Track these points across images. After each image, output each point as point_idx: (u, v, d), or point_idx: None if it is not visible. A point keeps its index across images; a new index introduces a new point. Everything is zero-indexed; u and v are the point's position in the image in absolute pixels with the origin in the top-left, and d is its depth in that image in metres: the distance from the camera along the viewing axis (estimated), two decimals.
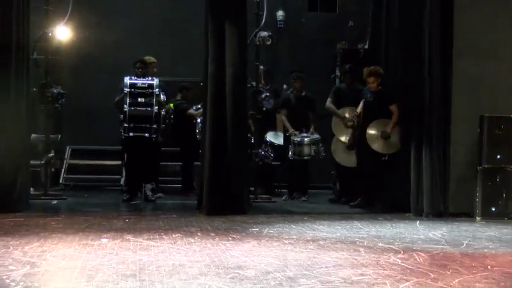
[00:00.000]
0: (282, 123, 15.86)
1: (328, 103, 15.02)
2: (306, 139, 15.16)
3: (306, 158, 15.17)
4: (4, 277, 7.26)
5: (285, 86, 16.47)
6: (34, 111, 14.70)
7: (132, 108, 13.93)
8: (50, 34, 15.17)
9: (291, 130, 15.34)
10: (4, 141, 12.61)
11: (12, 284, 7.00)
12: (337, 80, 16.19)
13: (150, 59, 14.73)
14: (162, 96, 14.44)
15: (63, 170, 16.64)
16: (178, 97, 15.97)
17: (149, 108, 13.99)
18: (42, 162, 14.87)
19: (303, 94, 15.70)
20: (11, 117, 12.63)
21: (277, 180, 16.00)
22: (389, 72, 13.74)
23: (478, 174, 12.47)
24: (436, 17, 12.76)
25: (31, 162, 14.10)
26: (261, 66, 15.57)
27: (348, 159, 14.59)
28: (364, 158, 13.75)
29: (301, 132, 15.23)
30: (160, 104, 14.28)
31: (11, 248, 8.88)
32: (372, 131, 13.91)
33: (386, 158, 13.36)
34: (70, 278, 7.41)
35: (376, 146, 13.69)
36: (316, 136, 15.23)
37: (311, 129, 15.39)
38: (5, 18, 12.52)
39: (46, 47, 15.19)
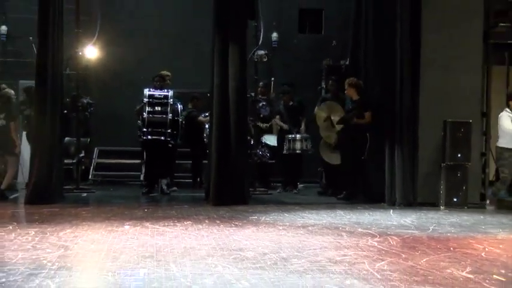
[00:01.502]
0: (276, 127, 15.89)
1: (316, 110, 15.03)
2: (298, 135, 15.23)
3: (298, 151, 15.22)
4: (42, 258, 7.24)
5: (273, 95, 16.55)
6: (67, 118, 14.69)
7: (150, 115, 13.99)
8: (80, 53, 15.25)
9: (285, 126, 15.47)
10: (42, 144, 12.59)
11: (49, 264, 6.96)
12: (323, 91, 16.19)
13: (165, 73, 14.71)
14: (179, 106, 14.51)
15: (91, 167, 16.67)
16: (190, 106, 16.01)
17: (164, 116, 14.05)
18: (74, 161, 14.97)
19: (291, 104, 15.70)
20: (48, 123, 12.60)
21: (272, 176, 15.95)
22: (367, 84, 13.67)
23: (441, 170, 12.45)
24: (405, 38, 12.75)
25: (65, 161, 14.13)
26: (261, 82, 15.75)
27: (333, 158, 14.57)
28: (347, 157, 13.70)
29: (292, 133, 15.23)
30: (176, 112, 14.30)
31: (48, 233, 8.86)
32: (323, 113, 14.40)
33: (364, 157, 13.29)
34: (98, 259, 7.38)
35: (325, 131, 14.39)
36: (305, 134, 15.24)
37: (301, 128, 15.44)
38: (42, 40, 12.50)
39: (77, 64, 15.29)
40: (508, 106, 12.64)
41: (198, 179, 15.80)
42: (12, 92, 14.42)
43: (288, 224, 10.24)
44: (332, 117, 14.38)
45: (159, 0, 17.97)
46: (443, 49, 12.72)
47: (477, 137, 12.90)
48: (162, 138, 14.12)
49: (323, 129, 14.78)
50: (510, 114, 12.53)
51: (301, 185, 15.93)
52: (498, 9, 13.88)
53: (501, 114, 12.69)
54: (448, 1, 12.85)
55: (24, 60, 16.40)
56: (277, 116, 15.77)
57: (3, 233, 8.82)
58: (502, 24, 13.95)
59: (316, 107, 15.13)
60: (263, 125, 15.69)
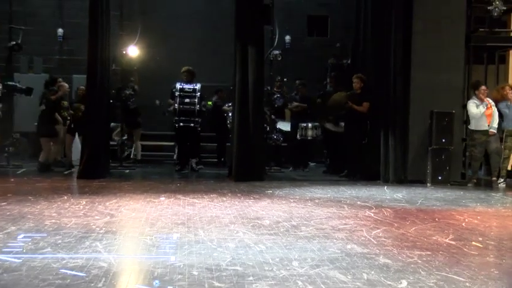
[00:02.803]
0: (290, 114, 15.87)
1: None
2: (309, 124, 15.12)
3: (309, 138, 15.14)
4: (91, 224, 7.30)
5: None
6: (113, 106, 14.77)
7: (181, 106, 14.04)
8: (124, 52, 15.26)
9: (304, 104, 15.48)
10: (92, 128, 12.64)
11: (97, 229, 7.01)
12: (328, 85, 16.14)
13: (193, 69, 14.69)
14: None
15: (133, 148, 16.69)
16: (215, 97, 16.05)
17: (193, 106, 14.07)
18: (119, 142, 14.95)
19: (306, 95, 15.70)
20: (97, 111, 12.65)
21: (285, 157, 15.93)
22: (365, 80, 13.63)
23: (428, 153, 12.39)
24: (398, 41, 12.69)
25: (111, 142, 14.18)
26: (278, 77, 15.81)
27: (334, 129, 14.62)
28: (349, 141, 13.64)
29: (305, 122, 15.19)
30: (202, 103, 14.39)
31: (96, 203, 8.92)
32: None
33: (365, 141, 13.25)
34: (138, 225, 7.42)
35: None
36: (316, 123, 15.18)
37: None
38: (92, 41, 12.52)
39: (121, 61, 15.29)
40: (474, 95, 12.58)
41: (222, 159, 15.79)
42: (67, 85, 14.66)
43: (298, 197, 10.24)
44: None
45: (188, 9, 17.97)
46: (430, 50, 12.63)
47: (459, 125, 12.86)
48: (192, 125, 14.15)
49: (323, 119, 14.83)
50: (475, 101, 12.45)
51: (312, 164, 15.96)
52: (478, 16, 13.79)
53: (468, 102, 12.63)
54: (435, 10, 12.73)
55: (77, 58, 16.45)
56: (294, 103, 15.70)
57: (59, 203, 8.89)
58: (481, 29, 13.92)
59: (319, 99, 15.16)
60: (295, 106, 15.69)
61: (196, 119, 14.17)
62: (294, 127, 15.46)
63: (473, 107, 12.39)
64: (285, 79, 16.36)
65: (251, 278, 5.08)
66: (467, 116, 12.84)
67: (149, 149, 16.94)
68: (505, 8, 13.32)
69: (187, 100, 14.08)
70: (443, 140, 12.36)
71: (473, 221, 8.26)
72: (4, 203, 8.68)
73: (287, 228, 7.31)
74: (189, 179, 13.18)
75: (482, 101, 12.38)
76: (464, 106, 12.89)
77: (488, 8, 13.21)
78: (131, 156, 15.87)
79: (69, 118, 14.24)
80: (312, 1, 18.64)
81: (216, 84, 16.19)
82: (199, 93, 14.16)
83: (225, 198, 9.79)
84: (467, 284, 5.07)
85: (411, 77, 12.66)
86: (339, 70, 15.84)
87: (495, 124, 12.45)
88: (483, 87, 12.51)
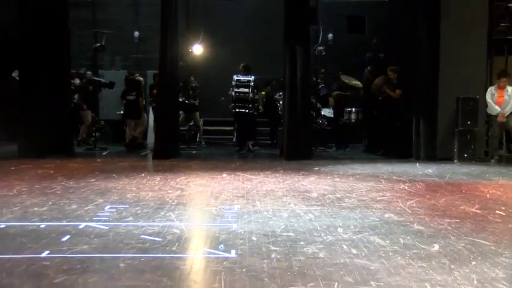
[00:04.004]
0: (334, 102, 15.74)
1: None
2: (353, 109, 14.88)
3: (353, 121, 14.96)
4: (165, 197, 7.38)
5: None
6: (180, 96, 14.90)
7: (237, 94, 14.07)
8: (190, 50, 15.36)
9: (346, 93, 15.31)
10: (164, 115, 12.72)
11: (170, 201, 7.08)
12: (365, 76, 15.93)
13: (248, 64, 14.66)
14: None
15: (199, 133, 16.80)
16: (268, 88, 16.01)
17: (247, 94, 14.09)
18: (186, 128, 15.08)
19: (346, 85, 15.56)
20: (168, 100, 12.75)
21: (329, 138, 15.80)
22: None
23: (455, 133, 12.14)
24: (428, 36, 12.41)
25: (180, 128, 14.28)
26: (322, 70, 15.84)
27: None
28: (384, 124, 13.48)
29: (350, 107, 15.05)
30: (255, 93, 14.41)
31: (169, 179, 9.01)
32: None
33: (399, 124, 13.07)
34: (204, 198, 7.48)
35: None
36: (359, 108, 14.93)
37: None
38: (163, 41, 12.56)
39: (187, 58, 15.38)
40: (497, 83, 12.32)
41: (274, 141, 15.75)
42: (141, 78, 14.91)
43: (341, 173, 10.16)
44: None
45: (244, 14, 17.92)
46: (456, 44, 12.31)
47: (482, 109, 12.48)
48: (246, 111, 14.16)
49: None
50: (492, 90, 12.27)
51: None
52: (499, 12, 13.41)
53: (489, 88, 12.42)
54: (460, 9, 12.33)
55: (151, 56, 16.55)
56: (336, 92, 15.53)
57: (138, 179, 9.01)
58: (502, 24, 13.57)
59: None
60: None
61: (250, 105, 14.18)
62: (337, 113, 15.28)
63: (488, 94, 12.31)
64: (323, 70, 16.23)
65: (302, 242, 5.07)
66: None
67: (212, 133, 17.03)
68: None
69: (242, 89, 14.10)
70: (469, 122, 12.11)
71: (497, 192, 8.08)
72: (93, 180, 8.85)
73: (332, 200, 7.27)
74: (247, 158, 13.21)
75: (502, 89, 12.12)
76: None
77: (509, 5, 12.95)
78: (197, 140, 15.97)
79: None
80: (351, 3, 18.51)
81: (268, 77, 16.14)
82: (252, 84, 14.17)
83: (277, 175, 9.78)
84: (492, 247, 4.97)
85: (440, 68, 12.38)
86: (375, 63, 15.65)
87: (507, 109, 12.17)
88: (503, 79, 12.19)
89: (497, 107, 12.23)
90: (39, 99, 12.18)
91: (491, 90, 12.29)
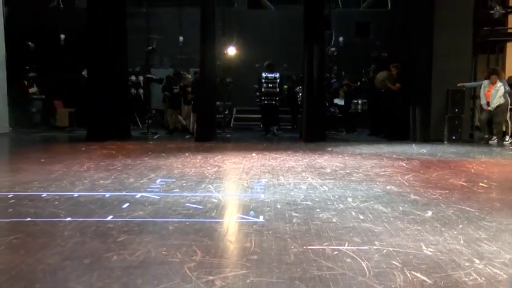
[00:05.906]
0: (343, 92, 15.57)
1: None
2: (359, 101, 14.77)
3: (359, 111, 14.83)
4: (205, 172, 7.40)
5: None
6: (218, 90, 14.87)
7: (266, 89, 13.96)
8: (225, 51, 15.32)
9: (354, 84, 15.16)
10: (204, 105, 12.73)
11: (209, 175, 7.10)
12: (370, 73, 15.75)
13: (273, 62, 14.55)
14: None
15: (232, 120, 16.80)
16: (289, 82, 15.91)
17: (274, 89, 13.99)
18: (222, 116, 15.06)
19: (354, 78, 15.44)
20: (207, 93, 12.73)
21: (340, 124, 15.69)
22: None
23: (445, 119, 11.99)
24: (423, 37, 12.24)
25: (217, 116, 14.27)
26: (335, 67, 15.90)
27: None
28: (386, 112, 13.34)
29: (357, 99, 14.89)
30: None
31: (208, 158, 9.03)
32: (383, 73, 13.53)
33: (398, 112, 12.89)
34: (237, 173, 7.47)
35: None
36: (365, 100, 14.78)
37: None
38: (203, 44, 12.49)
39: (224, 57, 15.33)
40: (489, 79, 12.03)
41: (295, 126, 15.68)
42: (190, 76, 14.92)
43: (350, 152, 10.09)
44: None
45: (270, 20, 17.88)
46: (447, 44, 12.12)
47: (468, 98, 12.40)
48: (273, 102, 14.07)
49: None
50: (485, 83, 11.95)
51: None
52: (482, 18, 13.12)
53: (483, 81, 12.16)
54: (450, 15, 12.15)
55: (193, 57, 16.54)
56: (345, 87, 15.39)
57: (183, 158, 9.05)
58: (485, 28, 13.35)
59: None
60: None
61: (277, 98, 14.10)
62: (347, 102, 15.15)
63: (482, 86, 12.04)
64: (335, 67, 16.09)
65: (318, 209, 5.06)
66: (474, 92, 12.39)
67: (243, 120, 17.01)
68: (503, 12, 12.96)
69: (270, 85, 13.99)
70: (456, 110, 11.98)
71: (480, 168, 7.96)
72: (146, 158, 8.92)
73: (343, 175, 7.23)
74: (272, 141, 13.18)
75: (493, 84, 11.79)
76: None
77: (491, 11, 12.67)
78: (231, 125, 15.95)
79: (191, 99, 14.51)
80: (358, 11, 18.28)
81: (289, 73, 16.05)
82: (278, 80, 14.07)
83: (297, 154, 9.74)
84: (476, 213, 4.91)
85: (433, 65, 12.22)
86: (378, 61, 15.47)
87: (492, 103, 11.74)
88: (494, 76, 11.82)
89: (484, 100, 11.88)
90: (103, 93, 12.32)
91: (484, 83, 11.96)
